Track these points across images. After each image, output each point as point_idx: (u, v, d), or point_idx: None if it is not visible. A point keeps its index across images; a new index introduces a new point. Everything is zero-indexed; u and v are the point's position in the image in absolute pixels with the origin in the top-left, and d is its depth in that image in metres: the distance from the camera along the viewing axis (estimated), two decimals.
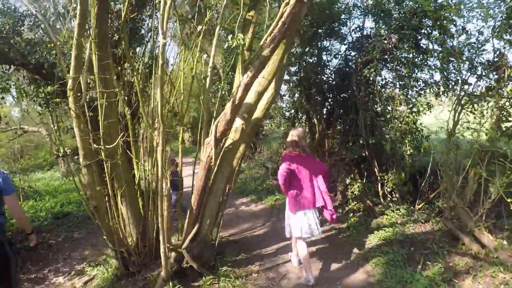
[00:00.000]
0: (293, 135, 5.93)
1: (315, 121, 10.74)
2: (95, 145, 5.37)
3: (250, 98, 5.51)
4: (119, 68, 6.45)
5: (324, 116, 10.50)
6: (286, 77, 10.82)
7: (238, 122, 5.63)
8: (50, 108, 7.07)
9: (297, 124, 12.03)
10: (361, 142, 8.69)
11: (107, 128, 5.60)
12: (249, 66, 5.19)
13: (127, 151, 6.04)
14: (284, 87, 12.03)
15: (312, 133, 10.89)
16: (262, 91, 5.57)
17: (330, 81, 10.21)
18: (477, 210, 6.60)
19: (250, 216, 9.30)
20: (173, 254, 5.88)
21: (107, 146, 5.41)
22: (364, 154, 8.78)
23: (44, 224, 9.48)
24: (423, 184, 8.48)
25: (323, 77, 10.10)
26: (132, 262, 6.15)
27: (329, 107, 10.50)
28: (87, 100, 5.40)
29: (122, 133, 5.65)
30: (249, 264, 6.55)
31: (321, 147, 10.46)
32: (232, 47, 4.86)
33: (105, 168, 5.63)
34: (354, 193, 8.58)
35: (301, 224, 5.72)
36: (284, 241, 7.41)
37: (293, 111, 11.84)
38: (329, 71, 10.30)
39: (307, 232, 5.71)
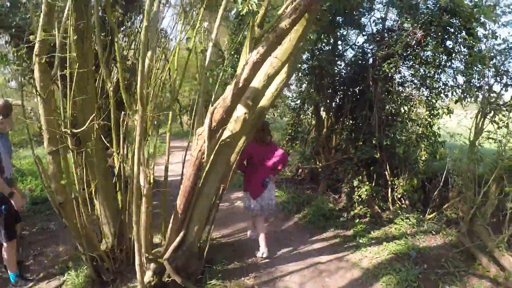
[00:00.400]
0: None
1: (324, 114, 9.48)
2: (62, 128, 4.10)
3: (257, 81, 4.27)
4: (109, 37, 5.14)
5: (334, 110, 9.24)
6: None
7: (240, 111, 4.39)
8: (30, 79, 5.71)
9: (302, 115, 10.89)
10: (373, 142, 7.49)
11: (80, 107, 4.44)
12: (261, 41, 3.93)
13: (102, 137, 4.67)
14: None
15: (319, 127, 9.60)
16: (273, 74, 4.31)
17: (343, 73, 8.93)
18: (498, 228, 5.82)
19: (246, 214, 8.15)
20: (152, 265, 4.67)
21: (74, 130, 4.16)
22: (376, 156, 7.59)
23: (21, 210, 7.85)
24: (435, 193, 7.39)
25: (336, 68, 8.82)
26: (106, 269, 4.88)
27: (339, 101, 9.22)
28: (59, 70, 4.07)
29: (93, 115, 4.29)
30: (242, 275, 5.33)
31: (328, 142, 9.21)
32: (242, 13, 3.65)
33: (72, 156, 4.36)
34: (361, 196, 7.37)
35: (253, 203, 5.99)
36: (283, 248, 6.31)
37: (299, 101, 10.62)
38: (344, 63, 9.00)
39: (258, 210, 5.99)
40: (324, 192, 8.78)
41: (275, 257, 5.98)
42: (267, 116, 15.21)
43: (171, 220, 4.66)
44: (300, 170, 10.48)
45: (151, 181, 4.60)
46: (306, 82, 9.62)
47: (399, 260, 5.69)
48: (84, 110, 4.49)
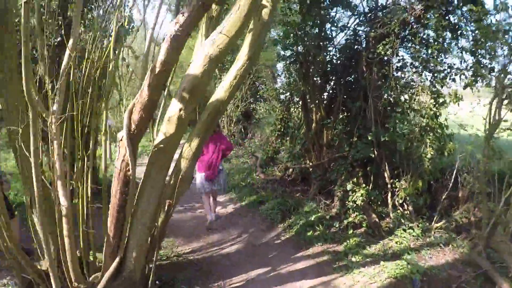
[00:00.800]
0: None
1: (313, 107, 8.25)
2: None
3: (195, 66, 3.20)
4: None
5: (324, 102, 8.04)
6: (281, 52, 8.55)
7: (174, 107, 3.33)
8: None
9: (292, 109, 9.84)
10: (369, 138, 6.35)
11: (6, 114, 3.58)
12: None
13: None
14: (279, 66, 9.81)
15: (309, 121, 8.34)
16: (219, 56, 3.21)
17: (334, 60, 7.76)
18: None
19: (225, 222, 7.10)
20: None
21: None
22: (373, 155, 6.47)
23: None
24: (444, 195, 6.23)
25: (325, 53, 7.64)
26: None
27: (330, 91, 8.03)
28: None
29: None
30: None
31: (318, 139, 8.00)
32: None
33: None
34: (356, 202, 6.23)
35: (202, 182, 6.63)
36: (261, 267, 5.22)
37: (288, 94, 9.56)
38: (333, 48, 7.82)
39: (207, 188, 6.65)
40: (315, 196, 7.63)
41: (248, 280, 4.90)
42: (260, 110, 14.35)
43: (105, 244, 3.69)
44: (290, 170, 9.38)
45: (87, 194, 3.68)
46: (294, 72, 8.50)
47: (400, 287, 4.59)
48: (9, 117, 3.57)
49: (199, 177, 6.61)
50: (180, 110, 3.29)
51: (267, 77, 14.59)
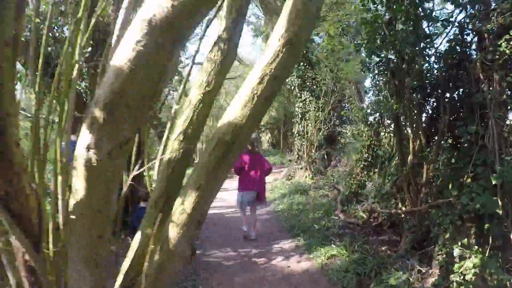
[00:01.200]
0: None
1: (409, 131, 6.15)
2: None
3: (122, 48, 1.59)
4: None
5: (424, 125, 5.89)
6: (366, 60, 6.63)
7: (80, 143, 1.71)
8: None
9: (383, 133, 7.92)
10: (493, 181, 4.22)
11: None
12: None
13: None
14: (367, 82, 8.04)
15: (403, 151, 6.21)
16: (172, 19, 1.52)
17: (434, 68, 5.69)
18: None
19: (280, 284, 5.30)
20: None
21: None
22: (499, 210, 4.25)
23: None
24: None
25: (422, 61, 5.53)
26: None
27: (431, 111, 5.91)
28: None
29: None
30: None
31: (415, 176, 5.85)
32: None
33: None
34: (466, 276, 4.17)
35: (243, 200, 7.45)
36: None
37: (377, 114, 7.62)
38: (434, 52, 5.62)
39: (247, 205, 7.58)
40: (406, 255, 5.57)
41: None
42: (347, 133, 12.56)
43: None
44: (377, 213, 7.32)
45: None
46: (384, 86, 6.56)
47: None
48: None
49: (240, 195, 7.43)
50: (89, 148, 1.64)
51: (352, 94, 12.71)
